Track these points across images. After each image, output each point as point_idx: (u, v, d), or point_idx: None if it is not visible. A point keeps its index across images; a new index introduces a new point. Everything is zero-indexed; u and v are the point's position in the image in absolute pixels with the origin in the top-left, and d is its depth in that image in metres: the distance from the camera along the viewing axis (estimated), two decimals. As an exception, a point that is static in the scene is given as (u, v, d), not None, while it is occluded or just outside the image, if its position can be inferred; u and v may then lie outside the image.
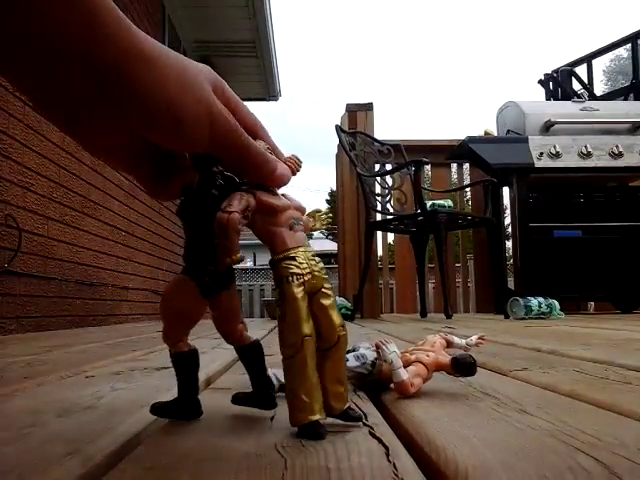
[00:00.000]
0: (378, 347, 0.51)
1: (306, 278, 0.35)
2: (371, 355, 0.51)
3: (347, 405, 0.36)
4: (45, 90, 0.29)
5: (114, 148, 0.34)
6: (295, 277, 0.34)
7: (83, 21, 0.26)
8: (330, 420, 0.39)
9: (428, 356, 0.50)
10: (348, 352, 0.53)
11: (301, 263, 0.35)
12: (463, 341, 0.55)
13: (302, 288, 0.34)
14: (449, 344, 0.54)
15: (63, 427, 0.38)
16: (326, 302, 0.35)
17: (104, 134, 0.32)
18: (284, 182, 0.37)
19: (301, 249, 0.35)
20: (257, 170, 0.35)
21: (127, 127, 0.31)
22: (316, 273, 0.35)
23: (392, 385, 0.49)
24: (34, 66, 0.27)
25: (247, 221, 0.34)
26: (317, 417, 0.34)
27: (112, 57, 0.27)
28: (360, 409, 0.43)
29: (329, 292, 0.36)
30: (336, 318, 0.35)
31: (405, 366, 0.48)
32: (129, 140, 0.34)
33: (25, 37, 0.26)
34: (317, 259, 0.36)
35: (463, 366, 0.48)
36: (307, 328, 0.34)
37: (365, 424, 0.38)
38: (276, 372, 0.51)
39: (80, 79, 0.28)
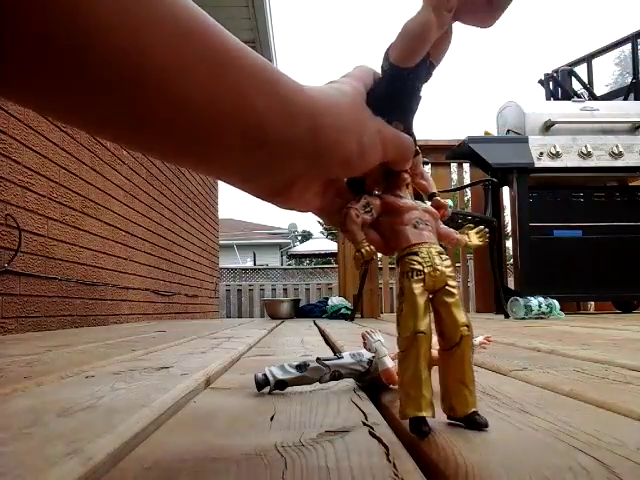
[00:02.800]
0: (363, 337, 0.51)
1: (427, 272, 0.34)
2: (368, 353, 0.51)
3: (472, 410, 0.34)
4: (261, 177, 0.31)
5: (312, 198, 0.35)
6: (415, 272, 0.34)
7: (283, 111, 0.28)
8: (329, 420, 0.39)
9: None
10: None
11: (423, 258, 0.35)
12: None
13: (421, 284, 0.34)
14: None
15: (63, 427, 0.38)
16: (449, 300, 0.35)
17: (304, 192, 0.33)
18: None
19: (425, 245, 0.35)
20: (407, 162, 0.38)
21: (326, 178, 0.34)
22: (439, 269, 0.35)
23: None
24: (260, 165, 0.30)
25: (371, 218, 0.36)
26: (422, 414, 0.33)
27: (307, 128, 0.29)
28: (360, 409, 0.43)
29: (453, 290, 0.35)
30: (460, 317, 0.35)
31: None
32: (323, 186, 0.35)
33: (249, 147, 0.28)
34: (445, 256, 0.36)
35: None
36: (422, 325, 0.34)
37: (365, 424, 0.38)
38: (273, 369, 0.51)
39: (292, 159, 0.30)
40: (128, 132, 0.26)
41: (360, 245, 0.34)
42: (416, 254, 0.35)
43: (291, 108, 0.29)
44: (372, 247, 0.35)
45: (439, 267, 0.35)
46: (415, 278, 0.34)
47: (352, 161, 0.32)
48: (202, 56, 0.25)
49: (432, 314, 0.36)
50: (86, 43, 0.22)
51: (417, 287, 0.34)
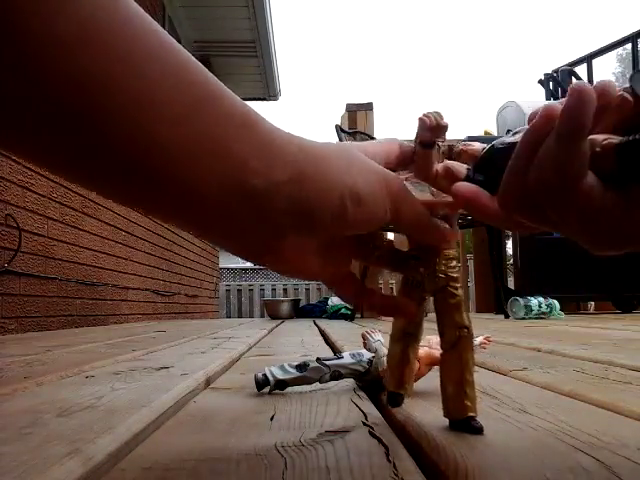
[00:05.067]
0: (363, 337, 0.51)
1: (427, 280, 0.35)
2: (368, 353, 0.51)
3: (468, 414, 0.34)
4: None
5: (313, 262, 0.31)
6: (415, 283, 0.36)
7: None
8: (329, 420, 0.39)
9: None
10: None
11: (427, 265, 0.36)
12: None
13: (417, 290, 0.36)
14: None
15: (63, 427, 0.38)
16: (450, 300, 0.35)
17: (299, 252, 0.29)
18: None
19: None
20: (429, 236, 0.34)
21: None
22: (440, 275, 0.35)
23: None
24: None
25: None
26: (400, 391, 0.37)
27: (291, 176, 0.26)
28: (360, 409, 0.43)
29: (454, 291, 0.35)
30: (458, 318, 0.35)
31: None
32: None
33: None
34: (452, 259, 0.36)
35: None
36: (410, 328, 0.37)
37: (365, 424, 0.38)
38: (273, 369, 0.51)
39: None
40: (79, 174, 0.24)
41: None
42: (420, 260, 0.35)
43: (273, 154, 0.26)
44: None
45: (440, 274, 0.35)
46: (412, 286, 0.36)
47: (347, 214, 0.28)
48: (178, 89, 0.23)
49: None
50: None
51: (414, 293, 0.36)
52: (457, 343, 0.35)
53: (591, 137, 0.25)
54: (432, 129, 0.31)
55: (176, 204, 0.25)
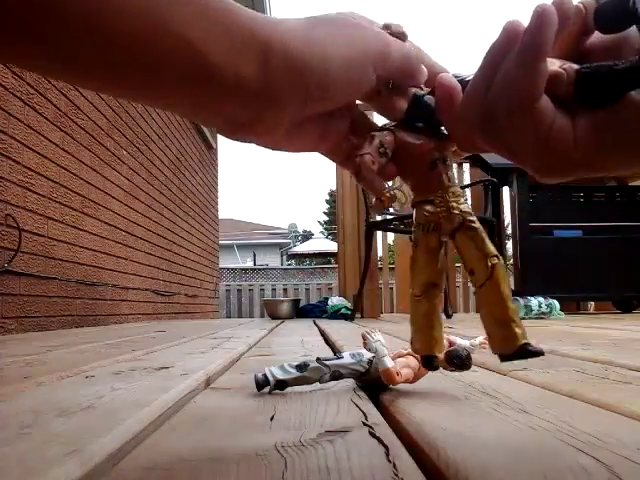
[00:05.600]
0: (364, 337, 0.50)
1: (442, 220, 0.33)
2: (368, 353, 0.51)
3: (522, 342, 0.31)
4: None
5: (297, 136, 0.31)
6: (429, 227, 0.33)
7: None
8: (329, 420, 0.39)
9: None
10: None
11: (438, 206, 0.33)
12: (467, 342, 0.54)
13: (435, 236, 0.33)
14: (451, 345, 0.54)
15: (63, 427, 0.38)
16: (471, 233, 0.33)
17: (273, 129, 0.29)
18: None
19: (439, 192, 0.34)
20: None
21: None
22: (454, 212, 0.33)
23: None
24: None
25: (387, 159, 0.33)
26: (434, 353, 0.34)
27: (258, 64, 0.26)
28: (360, 409, 0.43)
29: (474, 224, 0.33)
30: (486, 248, 0.32)
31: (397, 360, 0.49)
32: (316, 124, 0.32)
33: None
34: (461, 197, 0.34)
35: (457, 359, 0.48)
36: (434, 277, 0.34)
37: (365, 424, 0.38)
38: (273, 369, 0.52)
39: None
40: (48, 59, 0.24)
41: (380, 194, 0.33)
42: (431, 203, 0.33)
43: (238, 39, 0.25)
44: (392, 192, 0.33)
45: (454, 210, 0.33)
46: (428, 232, 0.33)
47: (309, 93, 0.27)
48: None
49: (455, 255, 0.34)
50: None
51: (431, 239, 0.33)
52: (492, 274, 0.32)
53: (548, 59, 0.26)
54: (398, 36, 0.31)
55: (136, 84, 0.26)
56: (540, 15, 0.25)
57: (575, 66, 0.27)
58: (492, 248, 0.32)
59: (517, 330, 0.31)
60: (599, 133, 0.26)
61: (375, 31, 0.30)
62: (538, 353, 0.31)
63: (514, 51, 0.26)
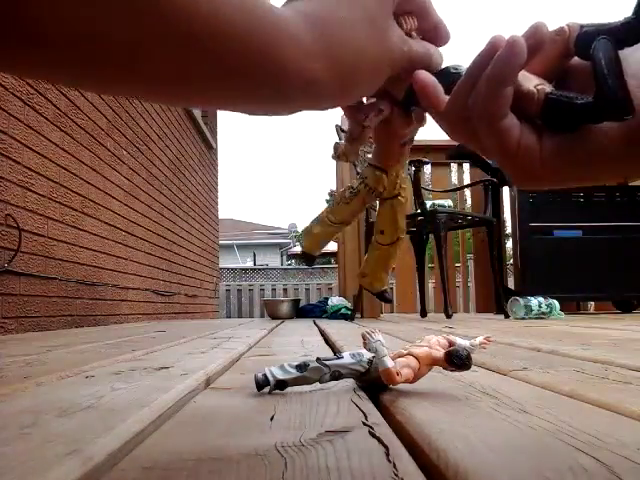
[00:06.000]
0: (364, 337, 0.51)
1: (386, 190, 0.39)
2: (368, 353, 0.51)
3: (384, 288, 0.40)
4: None
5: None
6: (375, 192, 0.40)
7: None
8: (329, 420, 0.39)
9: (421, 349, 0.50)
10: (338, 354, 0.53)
11: (389, 179, 0.39)
12: (467, 342, 0.54)
13: (372, 196, 0.40)
14: (451, 345, 0.54)
15: (63, 427, 0.38)
16: (398, 207, 0.40)
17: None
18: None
19: (395, 167, 0.39)
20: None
21: None
22: (397, 188, 0.40)
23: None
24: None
25: (380, 118, 0.36)
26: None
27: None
28: (360, 409, 0.43)
29: (403, 200, 0.40)
30: (401, 222, 0.39)
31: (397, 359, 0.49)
32: None
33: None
34: (404, 177, 0.40)
35: (457, 359, 0.48)
36: (343, 217, 0.41)
37: (365, 424, 0.38)
38: (273, 369, 0.52)
39: None
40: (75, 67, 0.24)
41: (361, 122, 0.36)
42: (385, 173, 0.39)
43: (255, 35, 0.25)
44: (367, 124, 0.36)
45: (397, 186, 0.39)
46: (369, 192, 0.40)
47: (323, 91, 0.28)
48: None
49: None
50: None
51: (368, 198, 0.40)
52: (396, 241, 0.39)
53: (525, 74, 0.28)
54: None
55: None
56: (510, 46, 0.27)
57: (548, 88, 0.29)
58: (403, 225, 0.40)
59: (385, 280, 0.40)
60: (562, 156, 0.28)
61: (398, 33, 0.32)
62: (389, 300, 0.40)
63: (483, 74, 0.28)
